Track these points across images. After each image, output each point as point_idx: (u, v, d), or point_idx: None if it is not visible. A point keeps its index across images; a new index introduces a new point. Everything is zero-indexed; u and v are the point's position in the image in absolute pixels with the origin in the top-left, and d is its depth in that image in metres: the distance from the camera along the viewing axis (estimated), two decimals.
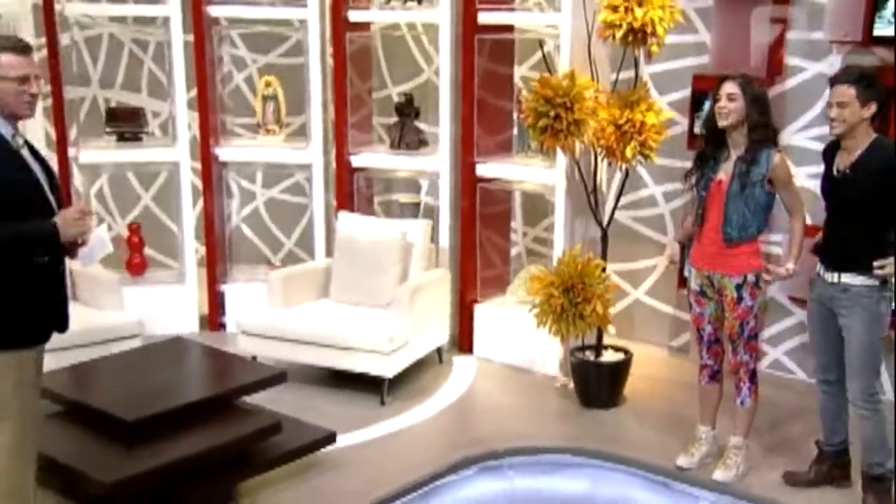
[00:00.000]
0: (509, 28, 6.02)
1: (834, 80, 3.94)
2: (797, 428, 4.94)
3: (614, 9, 4.94)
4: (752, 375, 4.37)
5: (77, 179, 6.33)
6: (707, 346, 4.48)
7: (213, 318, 6.51)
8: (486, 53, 5.92)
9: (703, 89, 5.18)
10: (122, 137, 6.46)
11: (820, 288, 4.13)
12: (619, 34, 4.96)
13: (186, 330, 6.14)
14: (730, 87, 4.12)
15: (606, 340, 5.49)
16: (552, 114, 4.98)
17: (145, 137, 6.61)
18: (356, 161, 6.34)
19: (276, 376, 4.67)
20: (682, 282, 5.28)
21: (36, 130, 5.86)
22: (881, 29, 4.86)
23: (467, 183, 6.01)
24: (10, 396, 3.44)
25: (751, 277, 4.23)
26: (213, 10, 6.26)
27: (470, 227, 6.06)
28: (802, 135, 5.44)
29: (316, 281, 5.96)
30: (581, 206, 5.52)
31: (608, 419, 5.18)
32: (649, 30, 4.93)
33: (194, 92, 6.33)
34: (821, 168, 4.16)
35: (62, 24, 6.10)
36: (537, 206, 6.50)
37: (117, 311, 5.65)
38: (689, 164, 4.47)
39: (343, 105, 6.29)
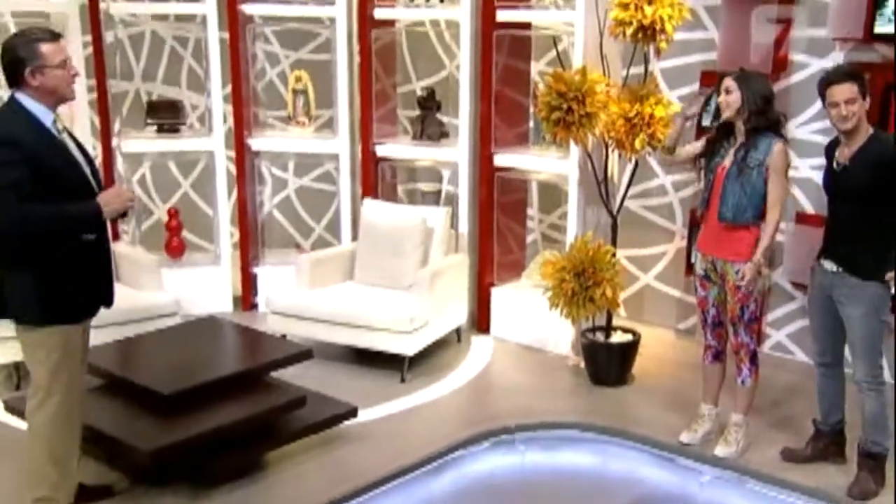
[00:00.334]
0: (527, 25, 6.09)
1: (832, 81, 3.97)
2: (796, 407, 5.01)
3: (625, 7, 5.00)
4: (753, 357, 4.44)
5: (121, 167, 6.45)
6: (711, 328, 4.56)
7: (247, 298, 6.65)
8: (504, 50, 6.00)
9: (711, 85, 5.26)
10: (161, 129, 6.60)
11: (820, 276, 4.21)
12: (629, 31, 5.03)
13: (221, 309, 6.29)
14: (727, 83, 4.30)
15: (616, 322, 5.58)
16: (564, 107, 5.06)
17: (183, 128, 6.74)
18: (381, 151, 6.48)
19: (303, 353, 4.75)
20: (690, 269, 5.41)
21: (83, 121, 6.01)
22: (882, 26, 4.94)
23: (485, 172, 6.12)
24: (58, 370, 3.61)
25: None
26: (248, 8, 6.40)
27: (487, 214, 6.16)
28: (806, 128, 5.51)
29: (342, 264, 6.07)
30: (593, 196, 5.61)
31: (617, 397, 5.28)
32: (658, 27, 4.99)
33: (230, 87, 6.46)
34: (823, 160, 4.24)
35: (107, 23, 6.25)
36: (553, 195, 6.56)
37: (156, 291, 5.74)
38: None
39: (369, 99, 6.40)
